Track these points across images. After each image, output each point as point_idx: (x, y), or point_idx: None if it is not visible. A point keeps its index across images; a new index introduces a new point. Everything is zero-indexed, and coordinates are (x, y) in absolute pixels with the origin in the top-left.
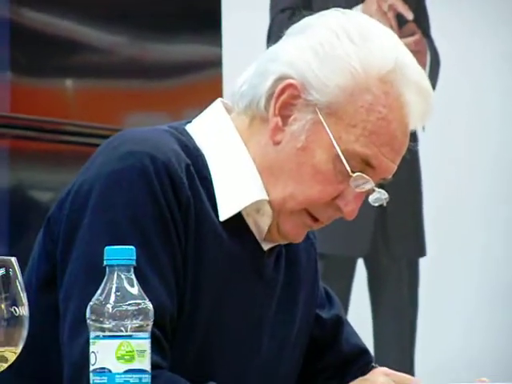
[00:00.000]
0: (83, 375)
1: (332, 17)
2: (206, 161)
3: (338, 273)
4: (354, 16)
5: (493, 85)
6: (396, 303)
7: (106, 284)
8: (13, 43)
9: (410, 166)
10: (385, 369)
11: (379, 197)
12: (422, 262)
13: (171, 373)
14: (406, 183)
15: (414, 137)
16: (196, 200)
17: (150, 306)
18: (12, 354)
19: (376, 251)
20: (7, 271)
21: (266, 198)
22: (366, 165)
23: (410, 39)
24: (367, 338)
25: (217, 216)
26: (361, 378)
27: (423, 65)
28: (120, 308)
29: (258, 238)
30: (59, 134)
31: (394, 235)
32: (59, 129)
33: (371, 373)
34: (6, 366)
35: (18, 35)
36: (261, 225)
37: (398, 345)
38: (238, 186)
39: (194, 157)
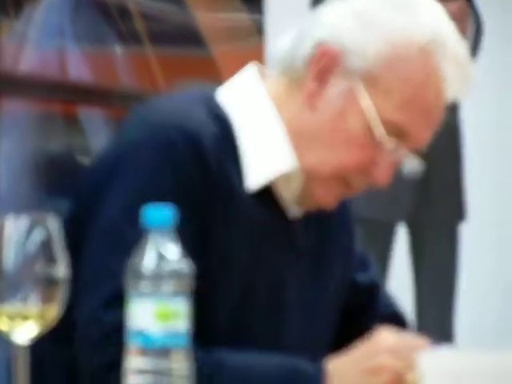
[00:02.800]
0: (90, 336)
1: None
2: (234, 129)
3: (378, 237)
4: None
5: None
6: (437, 268)
7: (143, 245)
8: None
9: (451, 132)
10: (390, 329)
11: (413, 167)
12: (464, 226)
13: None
14: (447, 147)
15: (453, 108)
16: (223, 170)
17: (187, 268)
18: (52, 314)
19: (418, 215)
20: (47, 230)
21: (298, 166)
22: (400, 133)
23: (452, 4)
24: (407, 305)
25: (245, 185)
26: (367, 338)
27: (464, 31)
28: (157, 269)
29: (286, 204)
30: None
31: (436, 200)
32: (111, 94)
33: (377, 332)
34: (46, 326)
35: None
36: (292, 191)
37: (439, 311)
38: (268, 156)
39: (223, 125)
